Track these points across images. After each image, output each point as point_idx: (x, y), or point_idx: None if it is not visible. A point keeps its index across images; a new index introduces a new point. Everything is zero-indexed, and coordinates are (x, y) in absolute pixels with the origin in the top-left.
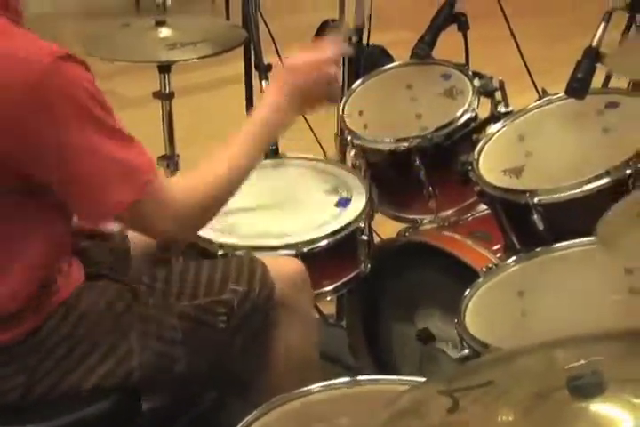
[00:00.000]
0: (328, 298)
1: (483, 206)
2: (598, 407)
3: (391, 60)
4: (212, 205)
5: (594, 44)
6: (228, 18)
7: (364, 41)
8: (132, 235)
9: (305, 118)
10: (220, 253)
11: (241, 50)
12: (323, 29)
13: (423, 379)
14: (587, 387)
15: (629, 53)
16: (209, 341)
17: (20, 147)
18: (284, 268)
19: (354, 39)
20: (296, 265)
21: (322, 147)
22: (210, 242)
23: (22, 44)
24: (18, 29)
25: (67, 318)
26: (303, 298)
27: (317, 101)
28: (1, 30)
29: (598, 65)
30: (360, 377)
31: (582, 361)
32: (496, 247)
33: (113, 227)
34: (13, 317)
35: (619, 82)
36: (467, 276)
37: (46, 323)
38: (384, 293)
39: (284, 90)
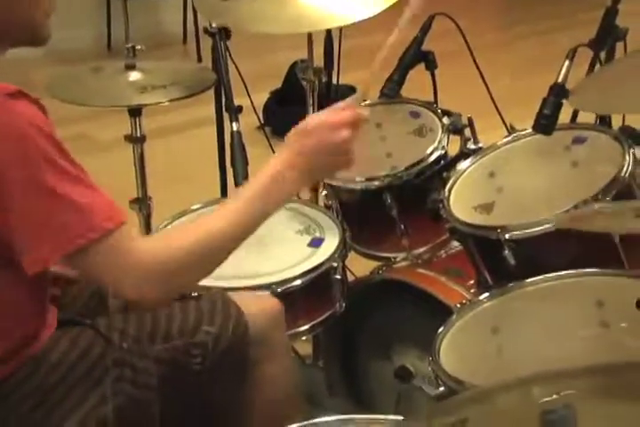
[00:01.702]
0: (303, 338)
1: (455, 243)
2: None
3: None
4: (184, 271)
5: (559, 80)
6: (199, 60)
7: (334, 81)
8: None
9: None
10: (193, 293)
11: (211, 92)
12: (293, 70)
13: (400, 418)
14: (559, 421)
15: (592, 89)
16: (184, 383)
17: None
18: (257, 304)
19: (323, 79)
20: (270, 301)
21: None
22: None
23: None
24: None
25: (38, 369)
26: (278, 333)
27: (328, 170)
28: None
29: (564, 101)
30: (338, 417)
31: (555, 396)
32: (470, 283)
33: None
34: None
35: (587, 117)
36: (441, 312)
37: (17, 373)
38: (360, 331)
39: (294, 161)
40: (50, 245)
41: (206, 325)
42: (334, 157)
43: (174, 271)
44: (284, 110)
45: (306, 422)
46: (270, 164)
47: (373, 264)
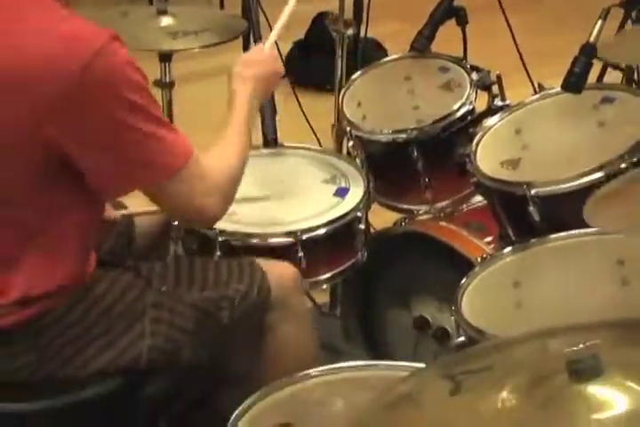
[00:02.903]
0: (324, 286)
1: (477, 198)
2: (596, 390)
3: (384, 53)
4: (235, 185)
5: (591, 40)
6: (222, 7)
7: (362, 33)
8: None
9: (302, 110)
10: (220, 239)
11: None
12: (318, 20)
13: (422, 365)
14: (586, 370)
15: (623, 43)
16: (213, 333)
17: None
18: (279, 272)
19: (351, 31)
20: (291, 270)
21: (317, 137)
22: (210, 228)
23: (79, 25)
24: (71, 12)
25: (80, 303)
26: (297, 300)
27: (273, 86)
28: (63, 15)
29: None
30: (360, 362)
31: (580, 346)
32: (489, 239)
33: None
34: (31, 299)
35: (613, 78)
36: (461, 265)
37: (58, 306)
38: (379, 281)
39: (249, 85)
40: (171, 158)
41: (235, 282)
42: (275, 81)
43: (232, 186)
44: (306, 61)
45: (331, 366)
46: (238, 91)
47: (395, 217)
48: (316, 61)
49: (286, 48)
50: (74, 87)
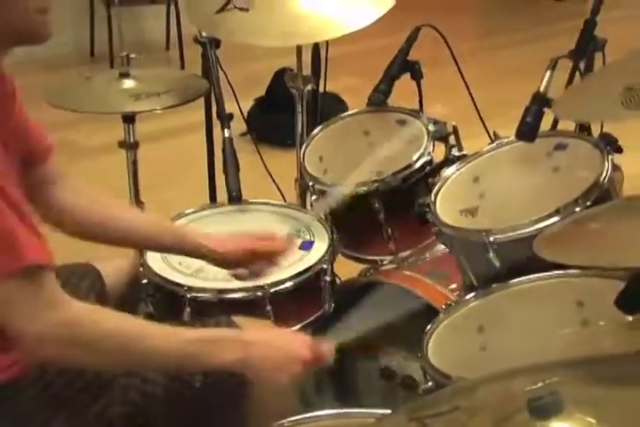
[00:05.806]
0: None
1: (439, 247)
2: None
3: (345, 106)
4: (87, 350)
5: (541, 89)
6: (182, 67)
7: (321, 89)
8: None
9: (265, 166)
10: (188, 295)
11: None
12: (278, 76)
13: (389, 411)
14: (546, 407)
15: (574, 98)
16: (185, 397)
17: None
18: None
19: (310, 86)
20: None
21: (281, 192)
22: (178, 285)
23: None
24: None
25: (46, 373)
26: None
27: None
28: None
29: (546, 109)
30: (329, 411)
31: (541, 384)
32: (453, 286)
33: None
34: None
35: (566, 125)
36: (427, 313)
37: (26, 375)
38: (346, 331)
39: (248, 345)
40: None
41: None
42: (277, 371)
43: (80, 345)
44: (267, 117)
45: (304, 416)
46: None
47: (359, 267)
48: (277, 117)
49: (247, 105)
50: None
